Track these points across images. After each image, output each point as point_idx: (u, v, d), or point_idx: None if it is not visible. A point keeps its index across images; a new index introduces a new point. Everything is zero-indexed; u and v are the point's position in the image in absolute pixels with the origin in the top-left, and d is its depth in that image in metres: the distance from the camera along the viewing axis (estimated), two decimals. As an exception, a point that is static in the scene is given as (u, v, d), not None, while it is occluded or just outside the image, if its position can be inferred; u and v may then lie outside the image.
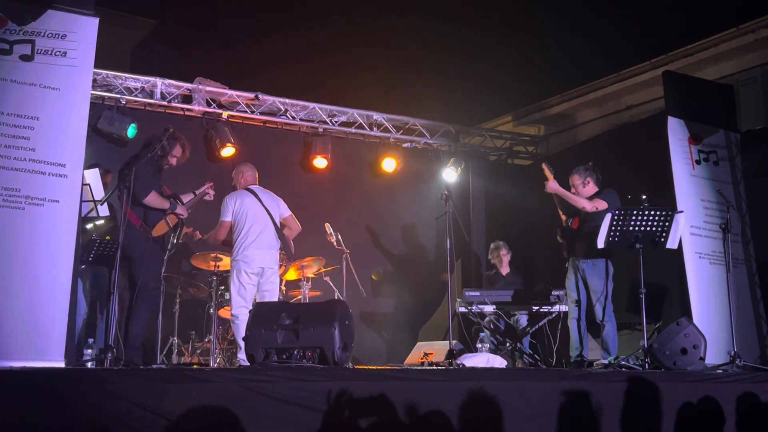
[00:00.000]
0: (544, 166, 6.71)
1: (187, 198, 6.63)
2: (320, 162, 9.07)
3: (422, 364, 6.73)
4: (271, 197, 6.63)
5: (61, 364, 4.72)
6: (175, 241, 6.38)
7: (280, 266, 6.78)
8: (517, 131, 11.44)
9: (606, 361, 6.33)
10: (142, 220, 6.15)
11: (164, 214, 6.27)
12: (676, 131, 7.19)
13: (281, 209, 6.65)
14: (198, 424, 3.61)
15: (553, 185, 6.61)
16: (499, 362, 6.27)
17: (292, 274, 7.53)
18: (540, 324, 7.18)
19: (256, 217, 6.41)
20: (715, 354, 6.24)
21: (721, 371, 5.79)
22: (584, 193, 6.71)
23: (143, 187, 6.05)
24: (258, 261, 6.33)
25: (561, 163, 9.88)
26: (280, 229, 6.54)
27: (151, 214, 6.24)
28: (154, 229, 6.17)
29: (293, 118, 9.12)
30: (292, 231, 6.72)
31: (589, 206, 6.52)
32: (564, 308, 7.04)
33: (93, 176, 6.10)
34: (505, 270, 8.44)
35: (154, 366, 5.78)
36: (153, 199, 6.14)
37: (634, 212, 5.90)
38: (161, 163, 6.40)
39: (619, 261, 6.89)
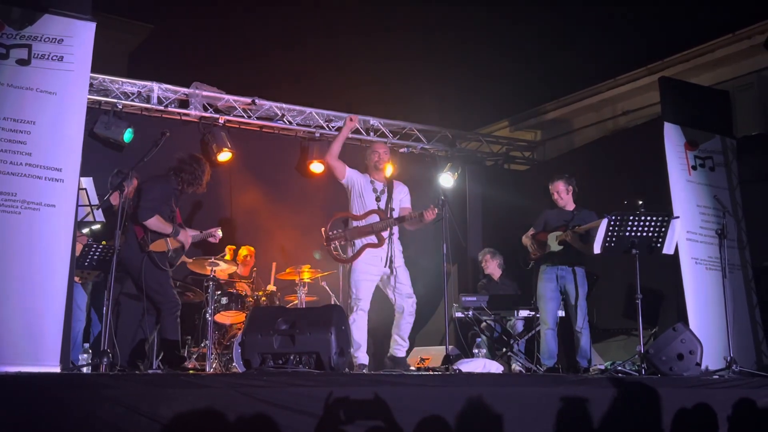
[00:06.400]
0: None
1: (192, 233, 6.54)
2: (317, 167, 9.06)
3: (419, 369, 6.72)
4: None
5: (57, 369, 4.70)
6: (173, 263, 6.26)
7: None
8: (514, 136, 11.46)
9: (602, 367, 6.32)
10: (144, 232, 6.03)
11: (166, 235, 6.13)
12: (672, 137, 7.20)
13: None
14: (194, 430, 3.60)
15: None
16: (495, 367, 6.27)
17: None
18: (536, 329, 7.18)
19: None
20: (711, 360, 6.25)
21: (717, 377, 5.80)
22: (566, 200, 6.90)
23: (149, 209, 5.96)
24: None
25: (557, 168, 9.96)
26: None
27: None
28: (153, 244, 6.03)
29: (290, 122, 9.13)
30: None
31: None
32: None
33: (88, 182, 6.10)
34: (497, 275, 8.44)
35: (150, 371, 5.76)
36: (153, 223, 5.99)
37: (630, 218, 5.91)
38: (185, 189, 6.30)
39: (615, 267, 6.89)
